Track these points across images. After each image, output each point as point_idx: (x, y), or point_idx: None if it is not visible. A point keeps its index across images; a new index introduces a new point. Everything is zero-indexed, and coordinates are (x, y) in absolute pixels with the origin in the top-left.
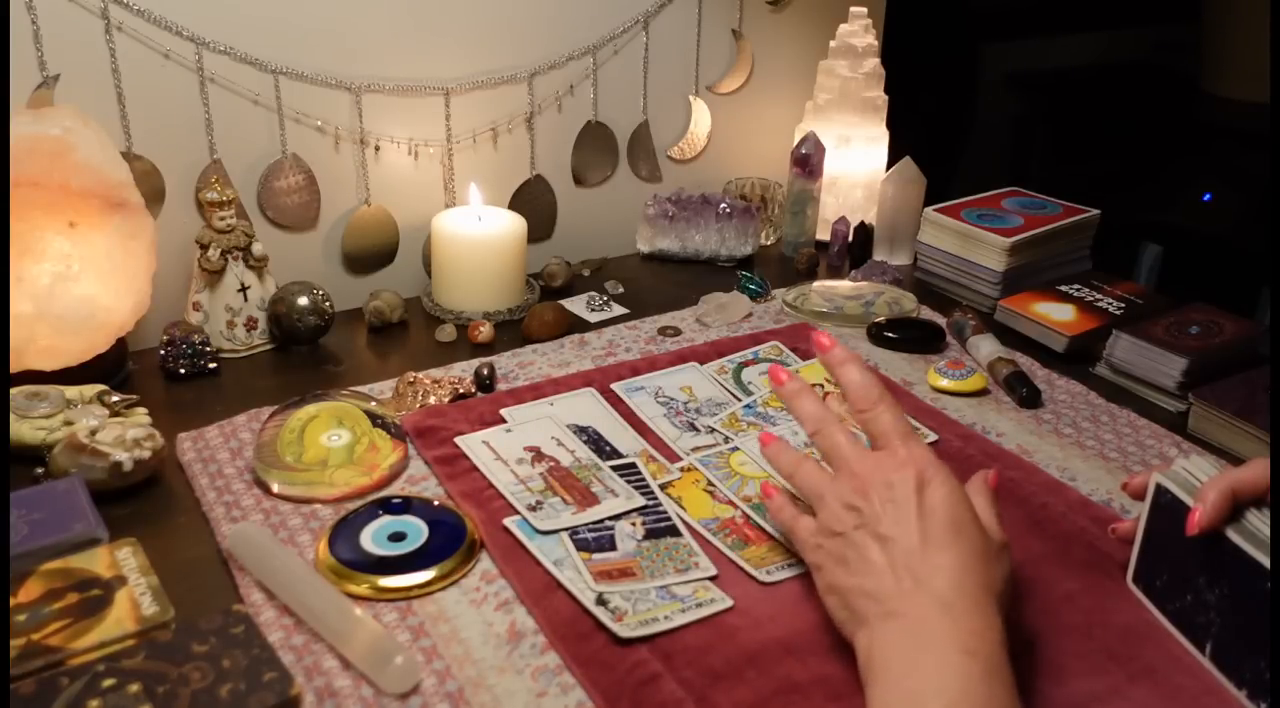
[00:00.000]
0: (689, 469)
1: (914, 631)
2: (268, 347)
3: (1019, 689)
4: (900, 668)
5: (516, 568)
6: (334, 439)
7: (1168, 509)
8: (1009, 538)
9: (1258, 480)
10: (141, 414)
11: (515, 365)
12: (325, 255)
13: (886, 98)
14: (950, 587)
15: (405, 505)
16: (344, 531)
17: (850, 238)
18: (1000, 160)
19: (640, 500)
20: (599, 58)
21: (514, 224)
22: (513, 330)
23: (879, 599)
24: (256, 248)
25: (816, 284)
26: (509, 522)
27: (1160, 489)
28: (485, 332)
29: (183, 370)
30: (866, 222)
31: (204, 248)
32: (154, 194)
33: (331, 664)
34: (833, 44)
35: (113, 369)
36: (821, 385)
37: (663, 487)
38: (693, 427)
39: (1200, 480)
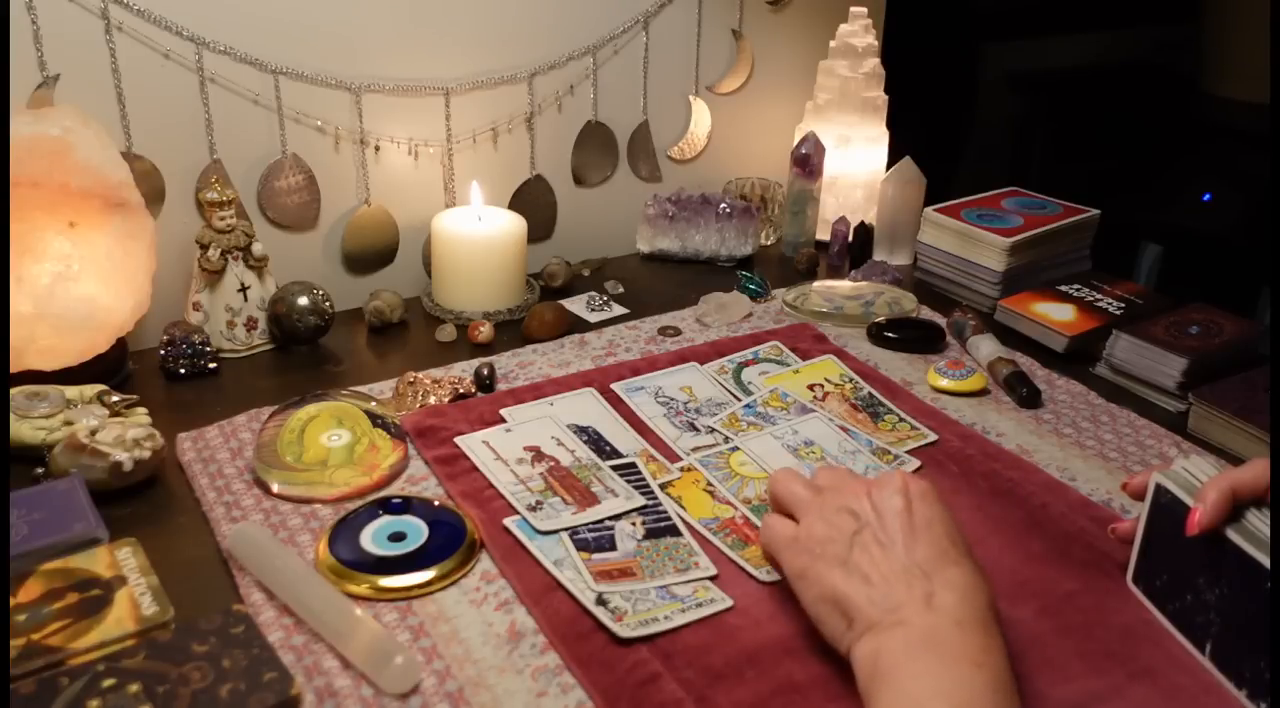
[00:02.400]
0: (689, 469)
1: (922, 641)
2: (268, 347)
3: (1020, 695)
4: (907, 674)
5: (516, 568)
6: (334, 439)
7: (1168, 509)
8: (1011, 538)
9: (1257, 480)
10: (141, 414)
11: (515, 365)
12: (325, 255)
13: (886, 98)
14: (961, 602)
15: (405, 505)
16: (344, 531)
17: (850, 238)
18: (1000, 160)
19: (640, 500)
20: (599, 58)
21: (514, 224)
22: (513, 330)
23: (889, 608)
24: (256, 248)
25: (816, 284)
26: (509, 522)
27: (1160, 489)
28: (485, 332)
29: (183, 370)
30: (866, 222)
31: (204, 248)
32: (154, 194)
33: (331, 664)
34: (833, 44)
35: (113, 369)
36: (822, 384)
37: (663, 487)
38: (693, 427)
39: (1200, 481)
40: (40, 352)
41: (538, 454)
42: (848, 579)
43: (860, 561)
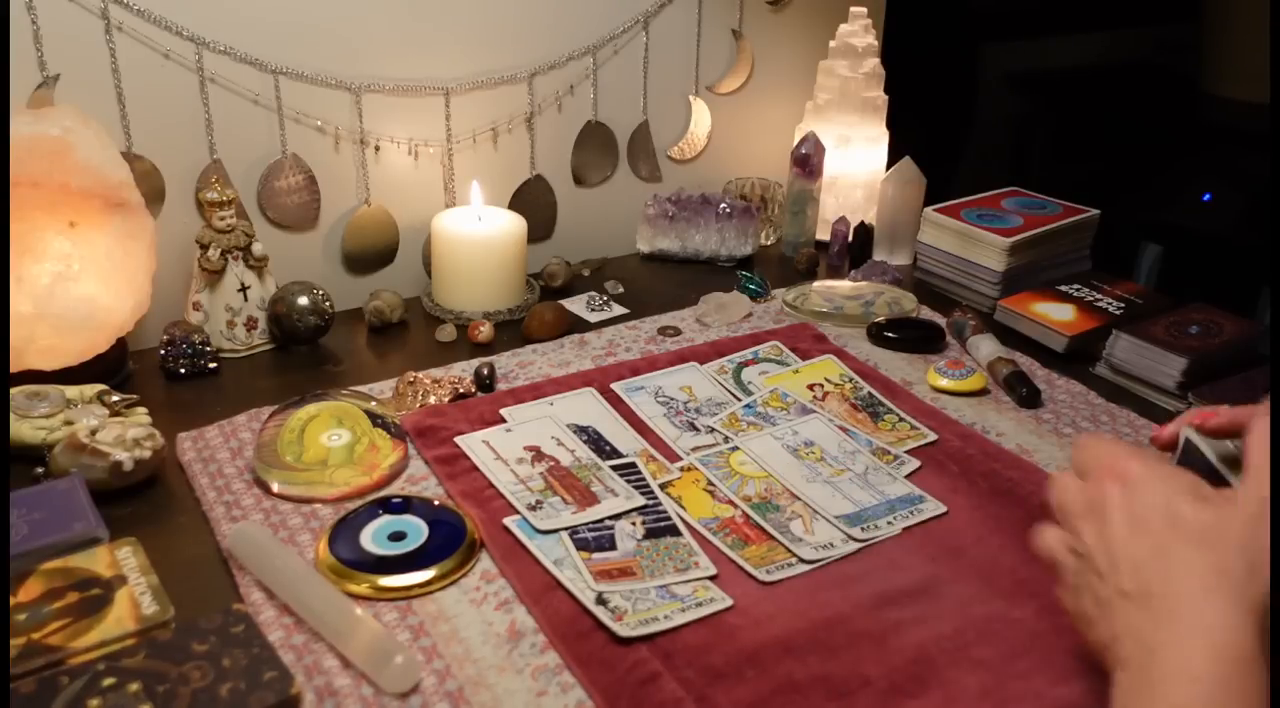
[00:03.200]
0: (689, 469)
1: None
2: (268, 347)
3: (1020, 695)
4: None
5: (516, 568)
6: (334, 439)
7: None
8: (1011, 537)
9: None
10: (141, 414)
11: (515, 365)
12: (325, 255)
13: (886, 98)
14: (1202, 591)
15: (405, 505)
16: (344, 530)
17: (850, 238)
18: (1000, 160)
19: (640, 500)
20: (599, 58)
21: (514, 224)
22: (513, 330)
23: (1137, 638)
24: (256, 248)
25: (816, 284)
26: (509, 521)
27: (1190, 445)
28: (485, 332)
29: (183, 370)
30: (866, 222)
31: (204, 248)
32: (154, 194)
33: (331, 664)
34: (833, 44)
35: (113, 369)
36: (822, 384)
37: (663, 486)
38: (693, 426)
39: (1231, 447)
40: (40, 352)
41: (538, 454)
42: (1103, 619)
43: (1102, 605)
